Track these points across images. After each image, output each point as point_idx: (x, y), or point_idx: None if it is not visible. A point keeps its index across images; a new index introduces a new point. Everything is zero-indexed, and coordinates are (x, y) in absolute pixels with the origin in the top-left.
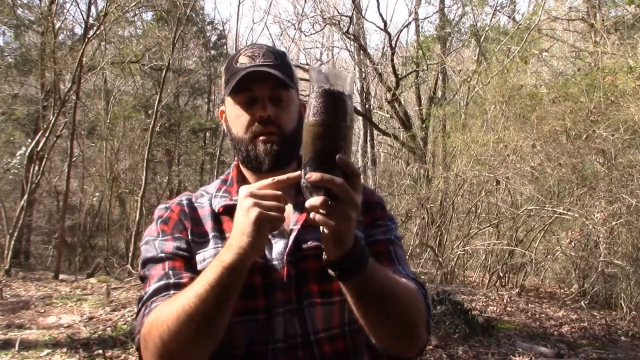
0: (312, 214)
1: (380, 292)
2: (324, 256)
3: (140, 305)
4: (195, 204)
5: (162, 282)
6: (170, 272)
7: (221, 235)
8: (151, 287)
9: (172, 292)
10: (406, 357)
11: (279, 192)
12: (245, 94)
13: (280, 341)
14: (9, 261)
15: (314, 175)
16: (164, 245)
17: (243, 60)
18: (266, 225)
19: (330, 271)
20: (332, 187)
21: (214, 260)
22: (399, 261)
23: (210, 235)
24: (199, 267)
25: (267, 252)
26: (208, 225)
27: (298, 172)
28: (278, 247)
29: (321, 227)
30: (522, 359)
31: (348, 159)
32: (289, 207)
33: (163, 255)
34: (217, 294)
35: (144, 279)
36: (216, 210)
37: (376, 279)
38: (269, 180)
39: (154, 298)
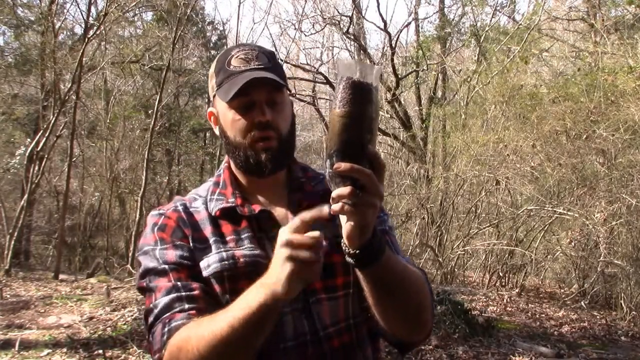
0: (338, 204)
1: (394, 278)
2: (343, 246)
3: (152, 319)
4: (191, 209)
5: (174, 295)
6: (179, 284)
7: (222, 239)
8: (160, 300)
9: (186, 306)
10: (414, 342)
11: (318, 241)
12: (242, 98)
13: (290, 340)
14: (9, 261)
15: (343, 165)
16: (166, 254)
17: (237, 63)
18: (299, 280)
19: (349, 260)
20: (361, 178)
21: (249, 293)
22: (397, 250)
23: (211, 240)
24: (204, 273)
25: (270, 252)
26: (207, 230)
27: (324, 210)
28: None
29: (341, 218)
30: (522, 359)
31: (376, 152)
32: (281, 207)
33: (166, 266)
34: (249, 328)
35: (145, 290)
36: (213, 214)
37: (392, 266)
38: (297, 222)
39: (169, 314)
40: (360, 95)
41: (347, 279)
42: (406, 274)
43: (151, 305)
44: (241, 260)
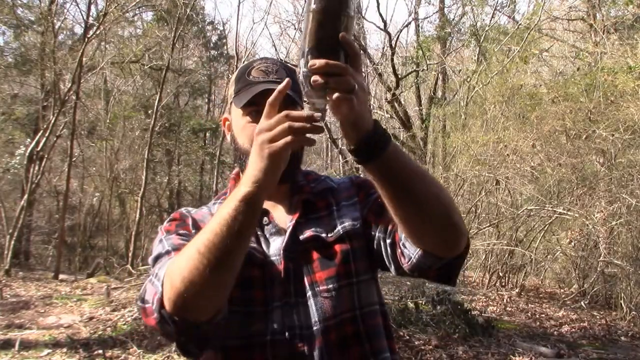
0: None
1: (407, 172)
2: (347, 149)
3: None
4: (192, 211)
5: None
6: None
7: None
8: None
9: None
10: (456, 257)
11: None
12: (255, 107)
13: (278, 333)
14: (9, 261)
15: (318, 62)
16: (171, 240)
17: (256, 74)
18: (278, 156)
19: (352, 157)
20: (336, 72)
21: (226, 199)
22: None
23: None
24: None
25: (265, 249)
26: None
27: (287, 82)
28: (276, 244)
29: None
30: (522, 359)
31: (351, 40)
32: (282, 209)
33: (170, 248)
34: (233, 229)
35: (154, 267)
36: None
37: (401, 160)
38: (267, 110)
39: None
40: None
41: (348, 268)
42: (421, 170)
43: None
44: None
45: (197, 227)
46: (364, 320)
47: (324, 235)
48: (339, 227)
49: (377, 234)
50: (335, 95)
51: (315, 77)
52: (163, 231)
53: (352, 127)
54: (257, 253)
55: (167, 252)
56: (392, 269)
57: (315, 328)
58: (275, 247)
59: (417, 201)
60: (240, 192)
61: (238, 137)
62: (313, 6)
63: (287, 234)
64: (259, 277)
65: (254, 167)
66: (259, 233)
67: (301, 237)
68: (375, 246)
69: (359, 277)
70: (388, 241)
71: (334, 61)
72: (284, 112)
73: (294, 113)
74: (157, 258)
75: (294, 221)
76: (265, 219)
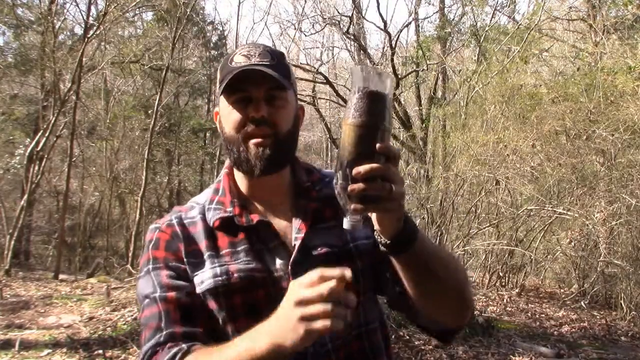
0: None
1: (430, 260)
2: (376, 236)
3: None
4: (186, 221)
5: (157, 338)
6: (163, 324)
7: (217, 254)
8: (148, 340)
9: (168, 345)
10: (459, 326)
11: (335, 292)
12: (239, 94)
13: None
14: (9, 261)
15: (363, 168)
16: (160, 277)
17: (238, 59)
18: (313, 339)
19: (383, 249)
20: (385, 174)
21: (254, 339)
22: None
23: (206, 255)
24: (198, 290)
25: (269, 263)
26: (202, 244)
27: (347, 274)
28: (281, 257)
29: (373, 217)
30: (522, 359)
31: (388, 144)
32: (283, 214)
33: (158, 291)
34: None
35: (141, 324)
36: (210, 225)
37: (426, 248)
38: (315, 276)
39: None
40: (375, 106)
41: (356, 288)
42: (441, 253)
43: (143, 342)
44: (235, 275)
45: (192, 251)
46: (368, 337)
47: (336, 250)
48: (350, 245)
49: (388, 275)
50: (385, 207)
51: (352, 186)
52: (150, 253)
53: (396, 219)
54: (258, 273)
55: (155, 301)
56: (387, 300)
57: (327, 348)
58: (280, 260)
59: (438, 283)
60: (260, 348)
61: (225, 126)
62: (352, 120)
63: (297, 248)
64: (264, 298)
65: (283, 332)
66: (260, 247)
67: (314, 253)
68: (379, 273)
69: (365, 295)
70: (397, 289)
71: (377, 164)
72: (338, 294)
73: (347, 294)
74: (145, 298)
75: (302, 233)
76: (269, 232)
